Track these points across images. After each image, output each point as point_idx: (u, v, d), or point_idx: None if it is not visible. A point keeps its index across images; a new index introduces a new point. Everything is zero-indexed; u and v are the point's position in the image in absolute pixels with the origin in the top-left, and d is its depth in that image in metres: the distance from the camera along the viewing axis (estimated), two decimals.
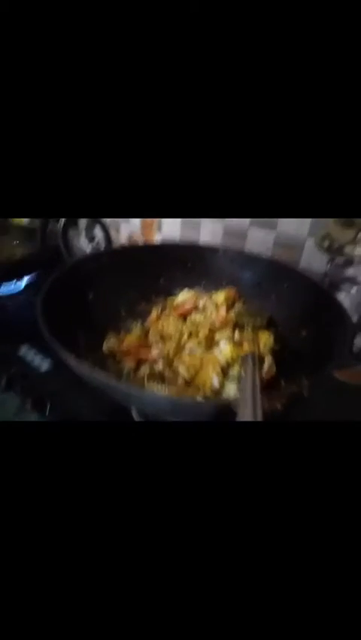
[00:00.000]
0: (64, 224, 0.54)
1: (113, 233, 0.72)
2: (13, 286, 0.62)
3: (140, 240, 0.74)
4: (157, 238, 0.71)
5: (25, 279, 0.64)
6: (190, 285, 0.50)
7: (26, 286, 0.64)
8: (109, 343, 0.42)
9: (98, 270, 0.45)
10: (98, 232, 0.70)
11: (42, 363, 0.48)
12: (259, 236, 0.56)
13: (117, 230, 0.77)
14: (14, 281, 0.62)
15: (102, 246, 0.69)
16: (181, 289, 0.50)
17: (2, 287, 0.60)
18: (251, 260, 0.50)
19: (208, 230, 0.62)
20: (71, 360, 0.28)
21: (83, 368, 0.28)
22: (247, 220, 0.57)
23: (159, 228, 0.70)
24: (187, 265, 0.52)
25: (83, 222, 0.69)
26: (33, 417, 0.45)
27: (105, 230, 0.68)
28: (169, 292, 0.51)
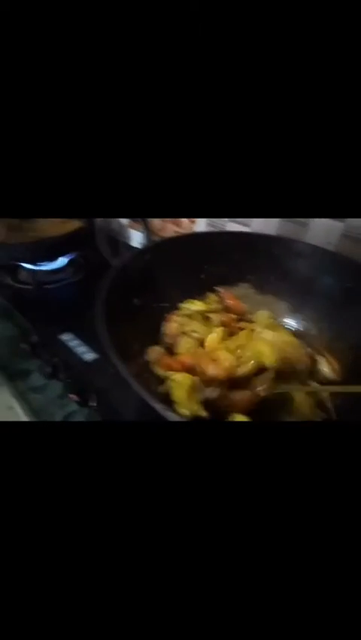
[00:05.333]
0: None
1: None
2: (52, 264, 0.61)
3: (180, 220, 0.68)
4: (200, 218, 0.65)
5: (66, 258, 0.62)
6: (234, 281, 0.46)
7: (65, 265, 0.63)
8: (153, 354, 0.38)
9: (142, 271, 0.41)
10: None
11: (87, 353, 0.48)
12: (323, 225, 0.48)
13: None
14: (55, 260, 0.61)
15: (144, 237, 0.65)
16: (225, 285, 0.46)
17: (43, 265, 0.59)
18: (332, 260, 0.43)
19: None
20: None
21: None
22: None
23: None
24: (231, 258, 0.46)
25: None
26: (74, 406, 0.46)
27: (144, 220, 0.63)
28: (210, 288, 0.46)
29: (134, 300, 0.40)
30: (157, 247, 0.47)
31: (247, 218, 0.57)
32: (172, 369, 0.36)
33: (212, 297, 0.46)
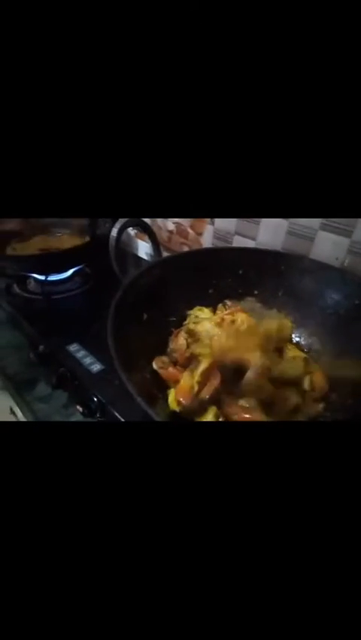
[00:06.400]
0: (119, 229, 0.51)
1: (156, 228, 0.68)
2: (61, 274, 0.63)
3: (187, 232, 0.69)
4: (207, 231, 0.65)
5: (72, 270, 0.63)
6: (241, 295, 0.46)
7: (72, 275, 0.64)
8: (158, 364, 0.39)
9: (151, 286, 0.42)
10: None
11: (93, 364, 0.49)
12: (329, 240, 0.49)
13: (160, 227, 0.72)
14: (63, 272, 0.62)
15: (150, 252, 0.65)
16: (232, 299, 0.46)
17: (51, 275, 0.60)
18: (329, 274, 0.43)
19: (270, 227, 0.55)
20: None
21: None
22: (316, 222, 0.49)
23: (211, 221, 0.64)
24: (238, 273, 0.47)
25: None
26: (78, 417, 0.46)
27: (152, 234, 0.64)
28: (218, 302, 0.47)
29: (144, 315, 0.41)
30: (166, 262, 0.48)
31: (253, 232, 0.57)
32: (176, 380, 0.36)
33: (221, 307, 0.47)
